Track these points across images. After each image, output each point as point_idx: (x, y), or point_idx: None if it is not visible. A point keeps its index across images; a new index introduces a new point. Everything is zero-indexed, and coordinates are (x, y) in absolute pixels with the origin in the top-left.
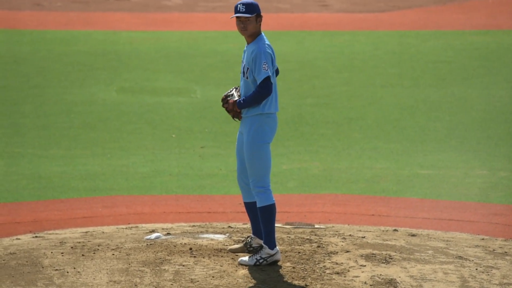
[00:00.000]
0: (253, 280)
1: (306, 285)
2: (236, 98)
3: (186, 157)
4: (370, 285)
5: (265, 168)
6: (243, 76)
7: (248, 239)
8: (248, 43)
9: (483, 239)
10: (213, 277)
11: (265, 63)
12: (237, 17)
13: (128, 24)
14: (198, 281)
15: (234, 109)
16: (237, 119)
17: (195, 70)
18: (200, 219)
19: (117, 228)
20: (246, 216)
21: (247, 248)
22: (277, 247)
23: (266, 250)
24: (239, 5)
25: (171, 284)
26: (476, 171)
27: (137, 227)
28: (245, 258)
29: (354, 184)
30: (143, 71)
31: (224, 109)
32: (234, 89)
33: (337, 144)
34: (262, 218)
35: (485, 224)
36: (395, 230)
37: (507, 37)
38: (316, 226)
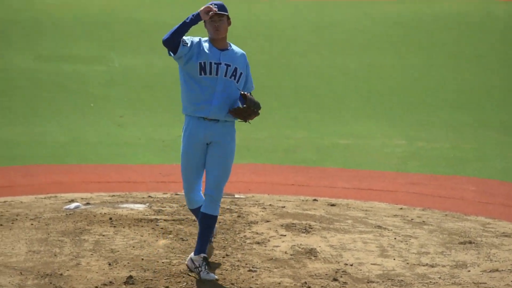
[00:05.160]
0: (173, 250)
1: (227, 254)
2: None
3: (104, 125)
4: (291, 255)
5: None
6: (231, 78)
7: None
8: (220, 46)
9: (401, 208)
10: (133, 247)
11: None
12: (212, 15)
13: None
14: (118, 251)
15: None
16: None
17: (112, 38)
18: (120, 188)
19: (35, 197)
20: (165, 186)
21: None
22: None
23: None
24: (211, 5)
25: (91, 254)
26: (394, 140)
27: (56, 196)
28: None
29: (273, 153)
30: (60, 38)
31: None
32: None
33: None
34: (213, 226)
35: (403, 194)
36: (315, 200)
37: (423, 6)
38: (236, 196)
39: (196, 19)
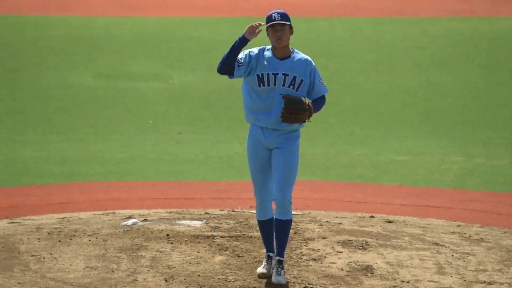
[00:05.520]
0: (229, 267)
1: None
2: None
3: (163, 142)
4: (347, 272)
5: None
6: (289, 87)
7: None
8: (281, 54)
9: (459, 225)
10: (190, 263)
11: (321, 79)
12: (272, 25)
13: (104, 9)
14: (175, 267)
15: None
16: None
17: (171, 56)
18: (177, 205)
19: (93, 214)
20: (222, 203)
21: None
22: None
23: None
24: (273, 14)
25: (148, 270)
26: (452, 157)
27: (114, 213)
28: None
29: (330, 170)
30: (119, 56)
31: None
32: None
33: (313, 129)
34: (286, 231)
35: (461, 211)
36: (372, 216)
37: (482, 23)
38: (293, 212)
39: (242, 41)
